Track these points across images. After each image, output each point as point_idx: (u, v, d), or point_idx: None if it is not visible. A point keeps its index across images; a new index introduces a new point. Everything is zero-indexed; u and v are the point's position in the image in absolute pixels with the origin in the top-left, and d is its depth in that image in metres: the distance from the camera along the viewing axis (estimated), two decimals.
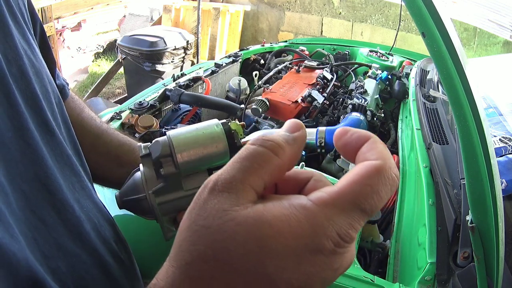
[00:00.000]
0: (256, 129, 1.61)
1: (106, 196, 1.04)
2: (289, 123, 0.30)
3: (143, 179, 0.48)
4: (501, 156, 0.94)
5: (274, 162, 0.26)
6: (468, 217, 0.64)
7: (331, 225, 0.23)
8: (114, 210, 1.09)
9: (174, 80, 1.75)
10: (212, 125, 0.46)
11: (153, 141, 0.46)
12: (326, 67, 2.07)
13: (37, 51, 0.45)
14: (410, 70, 1.94)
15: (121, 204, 0.53)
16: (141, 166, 0.49)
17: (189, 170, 0.47)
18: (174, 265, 0.25)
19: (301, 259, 0.23)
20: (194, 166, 0.46)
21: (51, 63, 0.54)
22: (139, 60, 3.44)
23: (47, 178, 0.38)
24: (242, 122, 0.48)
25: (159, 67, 3.48)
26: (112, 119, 1.37)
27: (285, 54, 2.44)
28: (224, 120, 0.47)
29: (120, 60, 3.62)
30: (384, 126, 1.75)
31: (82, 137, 0.58)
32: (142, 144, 0.48)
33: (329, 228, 0.23)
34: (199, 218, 0.25)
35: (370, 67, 2.03)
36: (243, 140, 0.51)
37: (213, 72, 1.88)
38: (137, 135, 1.32)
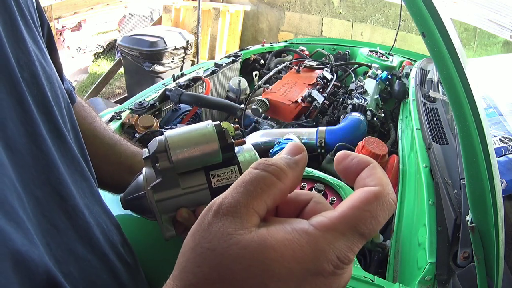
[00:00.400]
0: (256, 129, 1.61)
1: (107, 197, 1.04)
2: (290, 146, 0.30)
3: (144, 177, 0.50)
4: (501, 156, 0.94)
5: (277, 186, 0.27)
6: (468, 217, 0.64)
7: (332, 249, 0.24)
8: (114, 211, 1.09)
9: (174, 80, 1.75)
10: (204, 124, 0.50)
11: (152, 140, 0.50)
12: (326, 67, 2.07)
13: (47, 55, 0.45)
14: (410, 70, 1.94)
15: (125, 203, 0.54)
16: (143, 168, 0.52)
17: (184, 167, 0.49)
18: (178, 285, 0.26)
19: (303, 282, 0.24)
20: (188, 162, 0.49)
21: (58, 66, 0.55)
22: (139, 60, 3.44)
23: (59, 183, 0.38)
24: (236, 125, 0.52)
25: (159, 67, 3.47)
26: (112, 119, 1.37)
27: (285, 54, 2.44)
28: (218, 122, 0.51)
29: (120, 60, 3.62)
30: (384, 126, 1.75)
31: (95, 147, 0.59)
32: (146, 149, 0.51)
33: (330, 252, 0.24)
34: (204, 240, 0.25)
35: (370, 67, 2.03)
36: (242, 139, 0.52)
37: (213, 72, 1.88)
38: (137, 135, 1.32)
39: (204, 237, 0.25)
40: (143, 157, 0.52)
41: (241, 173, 0.51)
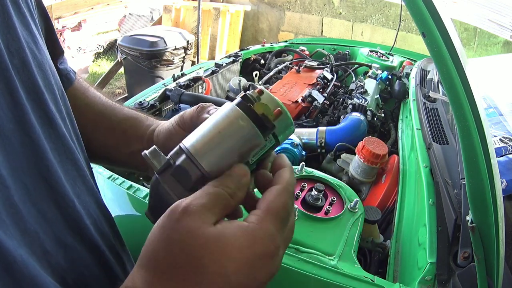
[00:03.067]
0: None
1: (107, 196, 1.04)
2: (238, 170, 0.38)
3: (172, 196, 0.40)
4: (501, 156, 0.94)
5: (230, 202, 0.36)
6: (468, 217, 0.64)
7: (266, 234, 0.33)
8: (114, 211, 1.09)
9: (174, 80, 1.75)
10: (234, 120, 0.39)
11: (168, 155, 0.40)
12: (326, 67, 2.07)
13: (40, 43, 0.44)
14: (410, 70, 1.94)
15: (154, 220, 0.47)
16: (164, 185, 0.40)
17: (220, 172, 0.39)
18: (146, 274, 0.32)
19: (253, 262, 0.32)
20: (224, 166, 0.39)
21: (57, 51, 0.53)
22: (139, 60, 3.44)
23: (48, 171, 0.38)
24: (259, 89, 0.41)
25: (159, 67, 3.47)
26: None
27: (285, 54, 2.44)
28: (241, 102, 0.39)
29: (120, 60, 3.62)
30: (384, 126, 1.75)
31: (85, 115, 0.55)
32: (147, 152, 0.40)
33: (265, 237, 0.33)
34: (174, 232, 0.32)
35: (370, 67, 2.03)
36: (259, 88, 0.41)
37: (213, 72, 1.89)
38: None
39: (174, 229, 0.32)
40: (157, 172, 0.41)
41: (276, 139, 0.41)
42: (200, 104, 0.49)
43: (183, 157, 0.39)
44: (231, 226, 0.33)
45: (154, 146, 0.41)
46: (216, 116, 0.40)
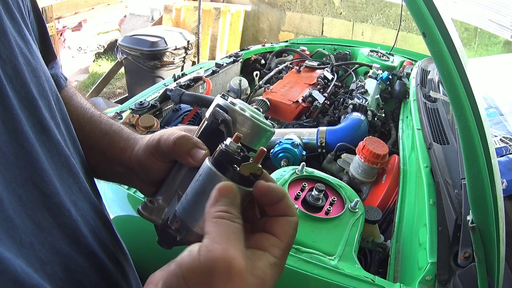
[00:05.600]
0: None
1: (107, 196, 1.04)
2: (225, 193, 0.37)
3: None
4: (502, 156, 0.94)
5: (240, 229, 0.36)
6: (469, 217, 0.64)
7: (283, 268, 0.38)
8: (114, 211, 1.09)
9: (174, 80, 1.75)
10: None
11: (168, 221, 0.44)
12: (327, 67, 2.07)
13: (34, 48, 0.43)
14: (411, 70, 1.94)
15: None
16: (169, 230, 0.45)
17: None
18: None
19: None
20: None
21: (50, 56, 0.53)
22: (139, 60, 3.44)
23: (42, 181, 0.37)
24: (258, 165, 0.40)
25: (159, 67, 3.48)
26: (112, 119, 1.37)
27: (286, 54, 2.44)
28: (227, 168, 0.39)
29: (121, 60, 3.62)
30: (384, 126, 1.75)
31: None
32: (142, 211, 0.46)
33: (282, 270, 0.38)
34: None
35: (370, 67, 2.03)
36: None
37: (214, 72, 1.89)
38: None
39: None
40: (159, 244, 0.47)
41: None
42: (176, 135, 0.47)
43: (181, 229, 0.42)
44: (266, 266, 0.36)
45: (144, 201, 0.46)
46: (203, 185, 0.39)
